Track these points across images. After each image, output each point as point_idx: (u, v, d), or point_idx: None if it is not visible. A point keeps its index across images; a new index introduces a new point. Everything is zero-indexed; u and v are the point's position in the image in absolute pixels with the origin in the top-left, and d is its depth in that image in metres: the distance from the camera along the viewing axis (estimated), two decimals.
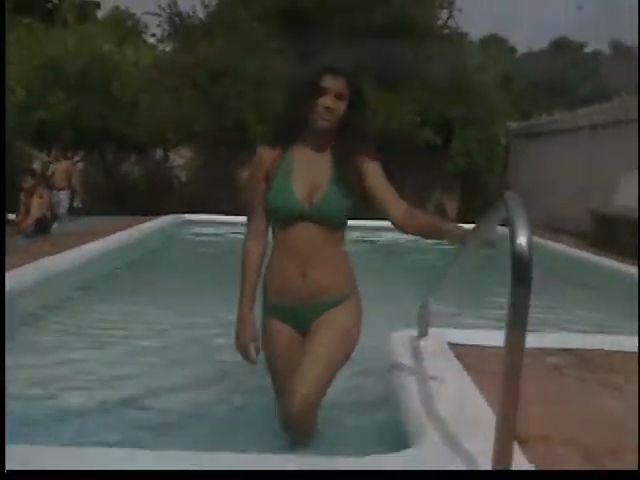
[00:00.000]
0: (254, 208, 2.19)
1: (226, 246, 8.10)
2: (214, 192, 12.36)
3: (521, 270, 1.52)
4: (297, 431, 2.14)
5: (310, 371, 2.10)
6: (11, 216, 7.64)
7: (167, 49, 13.43)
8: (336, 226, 2.15)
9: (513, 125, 13.34)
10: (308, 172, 2.13)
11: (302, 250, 2.14)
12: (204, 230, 9.76)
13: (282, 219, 2.14)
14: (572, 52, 22.35)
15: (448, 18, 13.85)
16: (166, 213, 10.37)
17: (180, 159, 13.88)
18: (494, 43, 22.32)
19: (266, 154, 2.17)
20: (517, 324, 1.52)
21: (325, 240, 2.14)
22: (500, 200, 1.68)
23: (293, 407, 2.08)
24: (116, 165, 13.60)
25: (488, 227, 1.86)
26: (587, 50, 23.61)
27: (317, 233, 2.13)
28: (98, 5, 16.40)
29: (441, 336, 3.00)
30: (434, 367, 2.56)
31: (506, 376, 1.55)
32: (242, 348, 2.18)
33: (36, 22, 12.09)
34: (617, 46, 23.25)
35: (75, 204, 10.02)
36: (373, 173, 2.12)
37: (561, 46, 23.19)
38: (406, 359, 2.67)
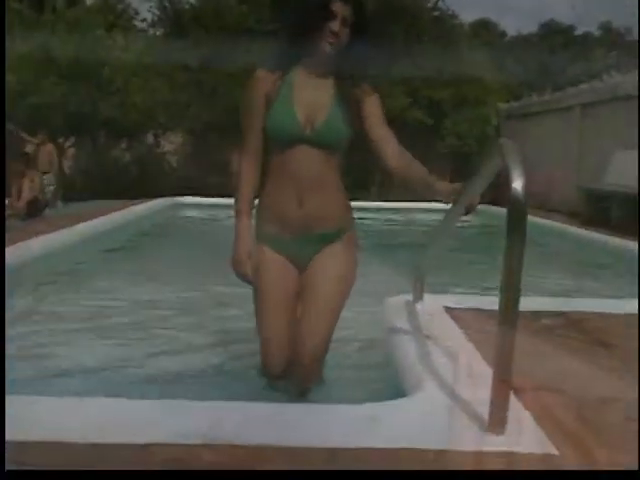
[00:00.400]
0: (251, 129, 2.15)
1: (218, 226, 8.16)
2: (206, 176, 12.36)
3: (517, 213, 1.55)
4: (306, 382, 2.14)
5: (318, 323, 2.10)
6: None
7: (158, 34, 13.39)
8: (336, 151, 2.12)
9: (504, 106, 13.36)
10: (309, 96, 2.10)
11: (300, 175, 2.10)
12: (196, 212, 9.81)
13: (281, 142, 2.10)
14: (561, 34, 22.35)
15: (437, 1, 13.86)
16: (158, 197, 10.35)
17: (170, 145, 13.86)
18: (484, 27, 22.30)
19: (266, 77, 2.13)
20: (513, 268, 1.54)
21: (324, 166, 2.11)
22: (495, 147, 1.70)
23: (303, 358, 2.08)
24: (107, 150, 13.57)
25: (483, 178, 1.86)
26: (577, 33, 23.64)
27: (316, 158, 2.10)
28: None
29: (437, 300, 3.02)
30: (430, 327, 2.58)
31: (502, 321, 1.57)
32: (237, 264, 2.15)
33: (25, 8, 12.01)
34: (606, 28, 23.30)
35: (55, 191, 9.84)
36: (372, 106, 2.11)
37: (550, 29, 23.20)
38: (402, 322, 2.69)
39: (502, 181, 1.54)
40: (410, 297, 2.95)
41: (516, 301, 1.56)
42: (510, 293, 1.56)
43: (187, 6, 12.97)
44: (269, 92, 2.12)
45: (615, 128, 8.99)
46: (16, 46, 11.00)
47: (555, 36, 21.82)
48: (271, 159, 2.15)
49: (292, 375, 2.18)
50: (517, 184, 1.53)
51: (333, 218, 2.17)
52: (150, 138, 13.64)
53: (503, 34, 23.51)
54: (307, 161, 2.10)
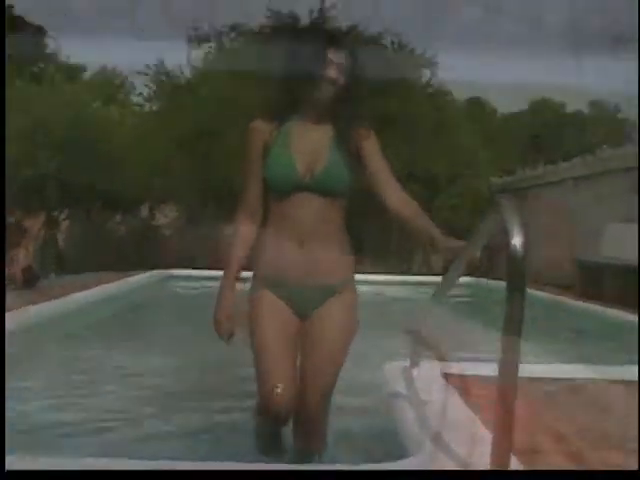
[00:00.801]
0: (250, 180, 2.13)
1: (210, 299, 8.11)
2: (200, 249, 12.38)
3: (516, 271, 1.54)
4: (309, 441, 2.09)
5: (321, 376, 2.08)
6: None
7: (154, 108, 13.56)
8: (337, 198, 2.09)
9: (497, 180, 13.50)
10: (308, 143, 2.09)
11: (301, 222, 2.07)
12: (189, 284, 9.79)
13: (282, 190, 2.08)
14: (552, 112, 22.77)
15: (431, 77, 14.10)
16: (152, 269, 10.36)
17: (165, 218, 13.92)
18: (477, 104, 22.71)
19: (262, 127, 2.12)
20: (513, 323, 1.52)
21: (326, 214, 2.08)
22: (494, 205, 1.70)
23: (306, 413, 2.04)
24: (102, 223, 13.62)
25: (482, 235, 1.86)
26: (567, 110, 24.09)
27: (317, 205, 2.07)
28: (85, 68, 16.67)
29: (435, 366, 2.99)
30: (428, 394, 2.55)
31: (502, 376, 1.55)
32: (217, 324, 2.11)
33: (24, 83, 12.22)
34: (596, 105, 23.75)
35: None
36: (371, 147, 2.11)
37: (541, 106, 23.63)
38: (400, 388, 2.66)
39: (494, 250, 1.55)
40: (408, 363, 2.93)
41: (516, 361, 1.54)
42: (509, 353, 1.54)
43: (183, 81, 13.15)
44: (267, 142, 2.11)
45: (608, 201, 9.08)
46: (13, 118, 11.16)
47: (546, 112, 22.26)
48: (272, 208, 2.13)
49: (296, 437, 2.13)
50: (516, 240, 1.53)
51: (336, 269, 2.14)
52: (145, 211, 13.71)
53: (495, 111, 23.90)
54: (308, 209, 2.07)
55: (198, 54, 13.78)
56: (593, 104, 23.54)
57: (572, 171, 10.64)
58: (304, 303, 2.12)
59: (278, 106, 2.16)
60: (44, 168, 11.18)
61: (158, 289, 9.30)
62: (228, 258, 2.15)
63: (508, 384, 1.54)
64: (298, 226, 2.07)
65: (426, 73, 14.40)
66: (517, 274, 1.53)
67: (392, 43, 13.83)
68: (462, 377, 2.85)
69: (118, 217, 13.54)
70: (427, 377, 2.81)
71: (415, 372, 2.86)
